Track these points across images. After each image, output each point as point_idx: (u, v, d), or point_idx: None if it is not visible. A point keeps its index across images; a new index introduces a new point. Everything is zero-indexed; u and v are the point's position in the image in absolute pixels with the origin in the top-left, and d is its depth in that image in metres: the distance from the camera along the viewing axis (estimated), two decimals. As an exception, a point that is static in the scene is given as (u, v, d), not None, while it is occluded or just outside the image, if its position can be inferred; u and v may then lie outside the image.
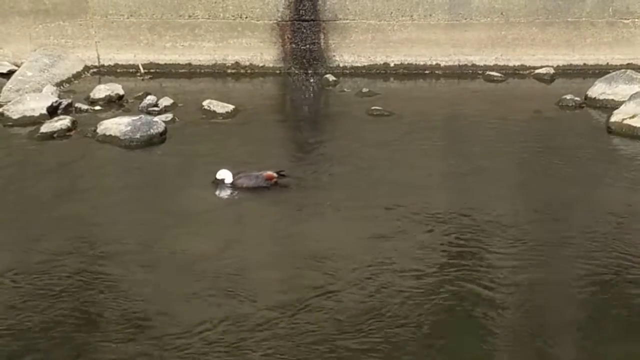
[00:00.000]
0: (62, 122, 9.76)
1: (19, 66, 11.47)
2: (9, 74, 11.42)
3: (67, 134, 9.66)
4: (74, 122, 9.81)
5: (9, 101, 10.35)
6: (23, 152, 9.27)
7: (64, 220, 7.63)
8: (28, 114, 10.04)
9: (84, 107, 10.47)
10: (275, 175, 8.30)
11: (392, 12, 12.04)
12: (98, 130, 9.55)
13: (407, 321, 6.05)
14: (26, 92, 10.53)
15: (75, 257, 6.93)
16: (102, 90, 10.81)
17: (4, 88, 10.79)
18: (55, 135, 9.60)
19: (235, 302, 6.29)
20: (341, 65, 12.11)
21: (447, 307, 6.23)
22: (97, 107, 10.54)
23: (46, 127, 9.67)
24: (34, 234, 7.34)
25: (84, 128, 9.76)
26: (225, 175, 8.25)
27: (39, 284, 6.54)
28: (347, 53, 12.10)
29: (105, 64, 12.00)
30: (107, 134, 9.47)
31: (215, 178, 8.26)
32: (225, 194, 8.18)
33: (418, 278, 6.62)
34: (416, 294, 6.39)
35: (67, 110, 10.28)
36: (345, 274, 6.65)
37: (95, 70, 11.94)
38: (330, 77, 11.77)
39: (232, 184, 8.24)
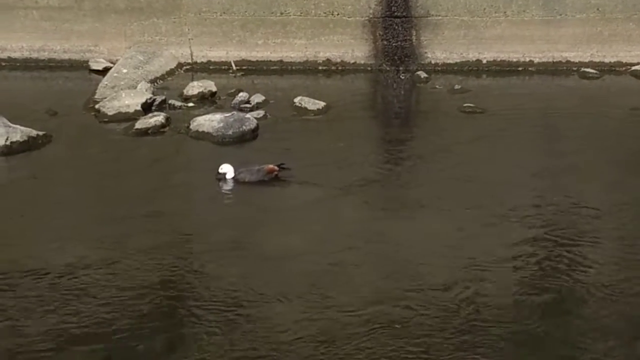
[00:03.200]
0: (156, 118, 9.87)
1: (114, 63, 11.64)
2: (104, 71, 11.59)
3: (161, 130, 9.78)
4: (167, 119, 9.92)
5: (105, 98, 10.50)
6: (118, 148, 9.40)
7: (158, 215, 7.73)
8: (123, 110, 10.18)
9: (178, 103, 10.58)
10: (276, 168, 8.33)
11: (484, 9, 11.91)
12: (191, 127, 9.65)
13: (504, 318, 6.01)
14: (121, 89, 10.67)
15: (169, 253, 7.02)
16: (195, 87, 10.90)
17: (99, 85, 10.95)
18: (149, 131, 9.72)
19: (328, 299, 6.30)
20: (433, 62, 11.99)
21: (546, 307, 6.18)
22: (190, 104, 10.63)
23: (140, 124, 9.81)
24: (129, 228, 7.46)
25: (177, 124, 9.86)
26: (228, 169, 8.33)
27: (133, 278, 6.64)
28: (439, 50, 11.99)
29: (198, 61, 12.09)
30: (200, 130, 9.57)
31: (218, 172, 8.33)
32: (228, 187, 8.27)
33: (512, 276, 6.57)
34: (511, 292, 6.34)
35: (161, 106, 10.39)
36: (438, 271, 6.62)
37: (188, 67, 12.04)
38: (422, 74, 11.69)
39: (234, 178, 8.30)
